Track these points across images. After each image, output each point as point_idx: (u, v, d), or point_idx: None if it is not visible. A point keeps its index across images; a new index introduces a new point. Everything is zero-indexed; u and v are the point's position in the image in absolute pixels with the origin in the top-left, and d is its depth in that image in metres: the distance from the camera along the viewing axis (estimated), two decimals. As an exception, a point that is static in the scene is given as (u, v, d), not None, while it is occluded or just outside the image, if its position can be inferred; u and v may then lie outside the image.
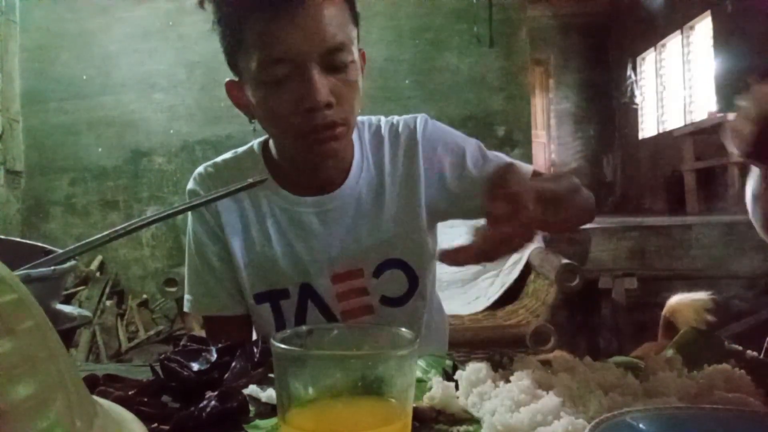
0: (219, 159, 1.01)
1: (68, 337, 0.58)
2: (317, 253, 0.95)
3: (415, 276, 0.98)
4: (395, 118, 1.02)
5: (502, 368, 0.65)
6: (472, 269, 3.02)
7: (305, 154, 0.88)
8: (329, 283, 0.95)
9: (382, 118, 1.02)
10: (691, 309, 1.33)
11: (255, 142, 1.01)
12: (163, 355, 0.68)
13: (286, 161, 0.96)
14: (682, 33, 6.56)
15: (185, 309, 1.03)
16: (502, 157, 1.00)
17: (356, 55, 0.87)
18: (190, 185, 0.99)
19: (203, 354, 0.70)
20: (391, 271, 0.97)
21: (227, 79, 0.92)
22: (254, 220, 0.96)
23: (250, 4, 0.81)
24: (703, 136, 5.27)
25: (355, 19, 0.89)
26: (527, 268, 2.87)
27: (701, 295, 1.37)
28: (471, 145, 0.99)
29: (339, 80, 0.83)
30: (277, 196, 0.95)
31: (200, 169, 1.00)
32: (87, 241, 0.64)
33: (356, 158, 0.96)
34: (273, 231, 0.95)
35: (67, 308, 0.71)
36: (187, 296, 1.01)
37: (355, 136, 0.97)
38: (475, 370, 0.61)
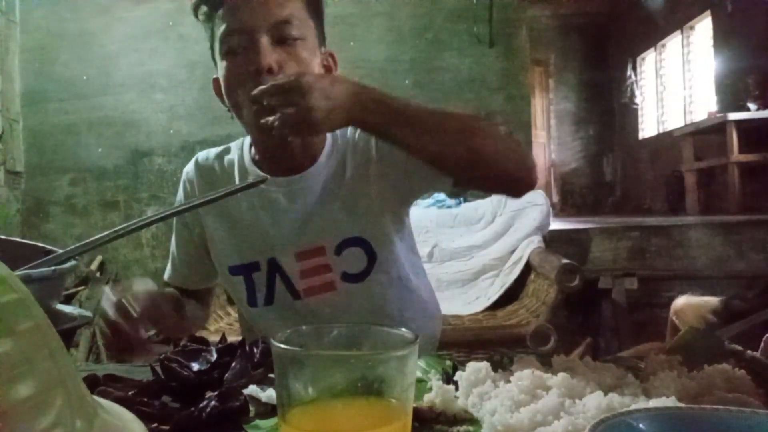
0: (219, 149, 1.12)
1: (68, 337, 0.58)
2: (283, 231, 1.02)
3: (373, 252, 1.02)
4: None
5: (502, 368, 0.65)
6: (472, 269, 3.02)
7: (249, 124, 0.95)
8: (294, 260, 1.02)
9: None
10: (693, 310, 1.33)
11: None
12: (163, 355, 0.68)
13: (257, 143, 1.04)
14: (682, 33, 6.56)
15: (164, 278, 1.15)
16: None
17: (309, 38, 0.95)
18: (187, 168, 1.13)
19: (203, 354, 0.70)
20: (351, 249, 1.01)
21: (213, 76, 1.02)
22: (232, 199, 1.02)
23: None
24: (703, 136, 5.27)
25: (314, 12, 0.98)
26: (527, 268, 2.87)
27: (707, 298, 1.37)
28: None
29: (286, 52, 0.92)
30: (249, 174, 1.04)
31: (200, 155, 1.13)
32: (87, 241, 0.64)
33: (327, 144, 1.04)
34: (245, 207, 1.03)
35: (67, 308, 0.71)
36: (168, 268, 1.16)
37: None
38: (475, 370, 0.61)
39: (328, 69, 1.02)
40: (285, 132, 0.79)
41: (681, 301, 1.39)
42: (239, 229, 1.05)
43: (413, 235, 1.14)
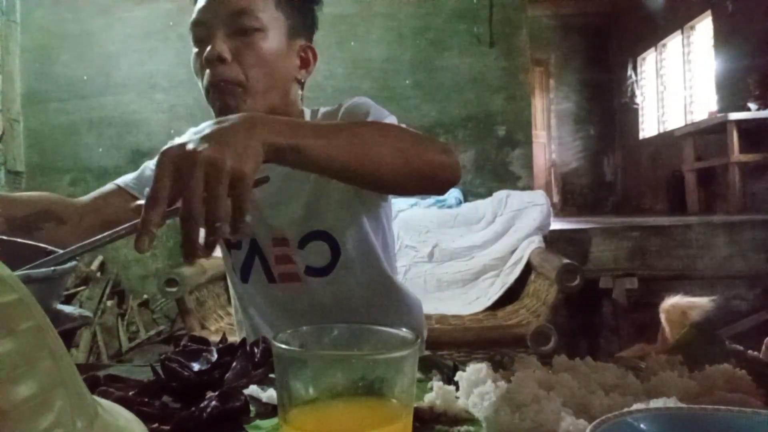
0: None
1: (69, 337, 0.58)
2: (263, 216, 1.03)
3: (337, 246, 1.02)
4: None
5: (502, 368, 0.65)
6: (472, 269, 3.02)
7: (213, 109, 0.95)
8: (271, 245, 1.04)
9: (343, 105, 1.05)
10: (678, 311, 1.34)
11: None
12: (163, 356, 0.68)
13: None
14: (682, 33, 6.56)
15: (119, 180, 1.07)
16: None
17: (271, 29, 0.95)
18: None
19: (204, 354, 0.70)
20: (315, 243, 1.02)
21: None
22: None
23: None
24: (703, 136, 5.27)
25: (283, 3, 0.97)
26: (528, 268, 2.87)
27: (696, 299, 1.37)
28: (375, 112, 0.99)
29: (242, 42, 0.93)
30: None
31: None
32: (87, 241, 0.64)
33: None
34: None
35: (67, 308, 0.71)
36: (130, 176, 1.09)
37: (308, 117, 1.05)
38: (475, 370, 0.61)
39: (305, 62, 1.02)
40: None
41: (669, 302, 1.39)
42: None
43: (392, 234, 1.13)
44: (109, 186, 1.06)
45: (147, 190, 0.56)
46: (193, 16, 0.96)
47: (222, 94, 0.93)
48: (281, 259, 1.04)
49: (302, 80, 1.03)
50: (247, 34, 0.93)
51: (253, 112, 0.92)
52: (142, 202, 0.57)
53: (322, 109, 1.07)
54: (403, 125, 0.87)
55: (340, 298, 1.04)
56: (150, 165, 1.07)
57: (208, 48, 0.91)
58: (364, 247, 1.04)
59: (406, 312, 1.14)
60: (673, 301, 1.40)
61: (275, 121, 0.66)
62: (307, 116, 1.06)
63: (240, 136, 0.59)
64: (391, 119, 0.97)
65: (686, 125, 5.96)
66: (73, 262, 0.65)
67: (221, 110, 0.93)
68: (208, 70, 0.93)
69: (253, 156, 0.59)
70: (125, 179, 1.07)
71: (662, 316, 1.38)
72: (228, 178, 0.56)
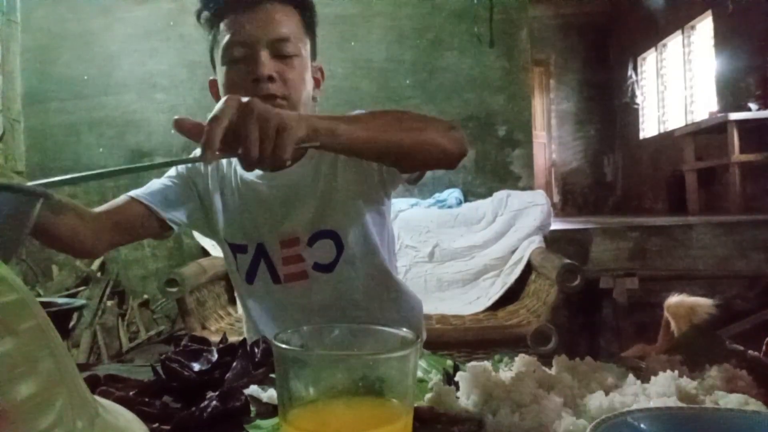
0: None
1: (62, 322, 0.57)
2: (269, 220, 1.12)
3: (341, 243, 1.11)
4: None
5: (502, 368, 0.65)
6: (473, 269, 3.02)
7: None
8: (278, 248, 1.12)
9: None
10: (686, 308, 1.33)
11: None
12: (164, 356, 0.68)
13: None
14: (682, 33, 6.56)
15: (131, 193, 1.14)
16: None
17: (303, 54, 1.07)
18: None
19: (204, 354, 0.70)
20: (322, 241, 1.10)
21: (210, 78, 1.12)
22: (229, 183, 1.16)
23: (224, 7, 1.05)
24: (704, 136, 5.27)
25: (309, 30, 1.10)
26: (528, 268, 2.87)
27: (700, 299, 1.37)
28: None
29: (284, 64, 1.04)
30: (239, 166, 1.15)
31: None
32: (57, 179, 0.64)
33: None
34: (237, 195, 1.15)
35: (60, 300, 0.71)
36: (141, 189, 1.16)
37: None
38: (475, 370, 0.61)
39: (316, 81, 1.14)
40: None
41: (675, 299, 1.39)
42: (232, 212, 1.15)
43: (392, 232, 1.22)
44: (121, 198, 1.13)
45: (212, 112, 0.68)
46: (230, 36, 1.03)
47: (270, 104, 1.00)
48: (289, 259, 1.12)
49: (317, 98, 1.16)
50: (285, 59, 1.04)
51: None
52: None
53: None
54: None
55: (342, 292, 1.12)
56: (157, 181, 1.18)
57: (255, 68, 1.00)
58: (365, 243, 1.12)
59: (407, 309, 1.20)
60: (678, 298, 1.40)
61: (313, 115, 0.82)
62: None
63: (288, 113, 0.73)
64: None
65: (686, 125, 5.95)
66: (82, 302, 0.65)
67: None
68: (251, 88, 1.00)
69: (294, 123, 0.71)
70: (135, 192, 1.14)
71: (667, 313, 1.38)
72: (274, 126, 0.69)
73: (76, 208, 1.03)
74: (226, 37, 1.03)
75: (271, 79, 1.01)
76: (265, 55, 1.02)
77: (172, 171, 1.19)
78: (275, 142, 0.69)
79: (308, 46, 1.09)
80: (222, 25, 1.05)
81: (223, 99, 0.70)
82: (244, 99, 0.70)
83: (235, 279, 1.20)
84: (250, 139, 0.68)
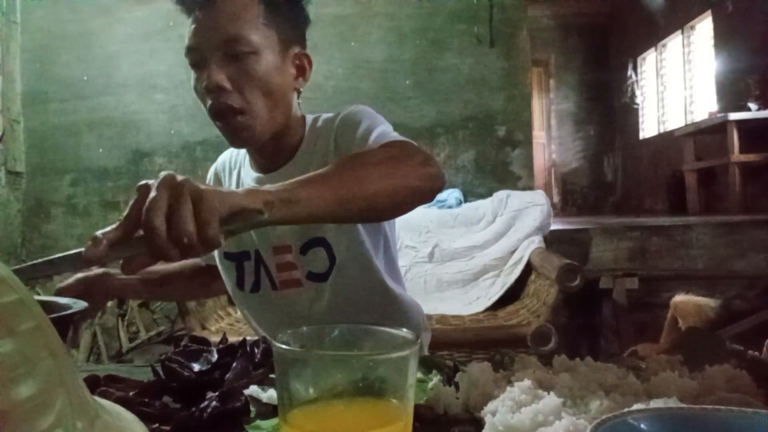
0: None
1: (64, 327, 0.57)
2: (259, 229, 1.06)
3: (333, 253, 1.05)
4: None
5: (503, 369, 0.65)
6: (473, 270, 3.02)
7: (222, 134, 1.01)
8: (272, 254, 1.08)
9: (341, 113, 1.07)
10: (695, 306, 1.34)
11: None
12: (164, 356, 0.68)
13: None
14: (682, 33, 6.56)
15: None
16: (397, 140, 0.94)
17: (264, 49, 0.96)
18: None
19: (204, 354, 0.70)
20: (315, 249, 1.05)
21: None
22: (228, 185, 1.16)
23: (185, 5, 0.98)
24: (703, 136, 5.27)
25: (275, 17, 0.98)
26: (528, 268, 2.87)
27: (705, 299, 1.38)
28: (368, 120, 1.00)
29: (237, 68, 0.94)
30: (245, 170, 1.14)
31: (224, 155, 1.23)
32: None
33: (303, 144, 1.06)
34: None
35: (62, 300, 0.71)
36: None
37: (309, 125, 1.08)
38: (475, 370, 0.61)
39: (301, 70, 1.03)
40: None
41: (682, 297, 1.39)
42: None
43: (393, 240, 1.15)
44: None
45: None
46: (186, 41, 0.97)
47: (226, 120, 0.96)
48: (283, 266, 1.08)
49: (300, 89, 1.05)
50: (241, 59, 0.94)
51: (257, 133, 0.98)
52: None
53: (324, 115, 1.09)
54: (391, 135, 0.93)
55: (337, 302, 1.07)
56: (216, 164, 1.23)
57: (206, 77, 0.94)
58: (358, 253, 1.05)
59: (404, 319, 1.14)
60: (685, 297, 1.41)
61: (262, 188, 0.67)
62: (309, 123, 1.08)
63: (208, 190, 0.58)
64: (386, 127, 0.99)
65: (686, 125, 5.95)
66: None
67: (229, 132, 0.99)
68: (207, 98, 0.96)
69: (220, 193, 0.59)
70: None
71: (674, 311, 1.38)
72: (188, 196, 0.56)
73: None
74: (186, 43, 0.97)
75: (221, 88, 0.93)
76: (215, 61, 0.94)
77: None
78: (199, 221, 0.56)
79: (275, 37, 0.98)
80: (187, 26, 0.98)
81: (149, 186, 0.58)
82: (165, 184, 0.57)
83: (234, 291, 1.15)
84: (155, 225, 0.55)
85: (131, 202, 0.57)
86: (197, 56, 0.96)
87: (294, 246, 1.06)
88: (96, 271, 1.10)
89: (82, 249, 0.55)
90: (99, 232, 0.55)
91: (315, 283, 1.06)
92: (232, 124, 0.96)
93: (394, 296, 1.12)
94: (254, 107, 0.96)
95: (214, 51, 0.94)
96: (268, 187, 0.66)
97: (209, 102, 0.95)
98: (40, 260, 0.58)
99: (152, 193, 0.56)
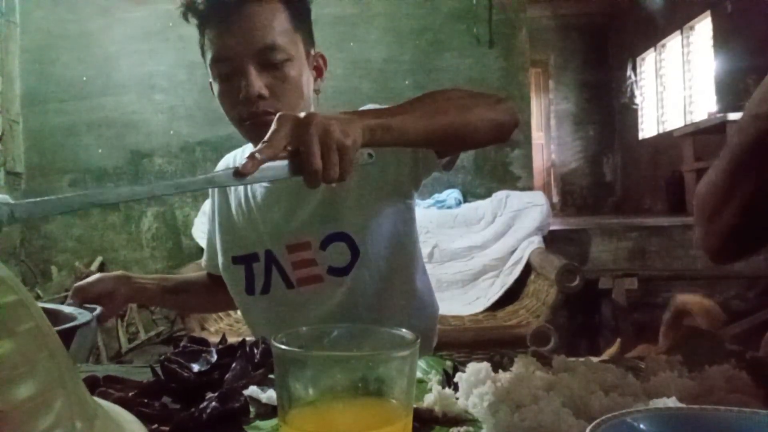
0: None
1: (68, 338, 0.58)
2: (273, 225, 1.08)
3: (356, 246, 1.04)
4: None
5: (502, 369, 0.65)
6: (472, 270, 3.02)
7: (248, 139, 1.03)
8: (286, 252, 1.07)
9: None
10: (701, 305, 1.34)
11: None
12: (163, 356, 0.68)
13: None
14: (682, 33, 6.56)
15: (202, 265, 1.27)
16: None
17: (296, 54, 0.99)
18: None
19: (203, 355, 0.70)
20: (336, 244, 1.05)
21: (210, 79, 1.05)
22: (233, 191, 1.15)
23: (204, 15, 0.98)
24: (703, 137, 5.27)
25: (301, 23, 1.01)
26: (527, 269, 2.87)
27: (706, 300, 1.38)
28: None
29: (274, 76, 0.97)
30: None
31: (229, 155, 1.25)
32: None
33: None
34: (243, 202, 1.13)
35: (67, 309, 0.71)
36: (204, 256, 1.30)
37: None
38: (475, 371, 0.61)
39: (318, 70, 1.08)
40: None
41: (691, 297, 1.39)
42: (238, 222, 1.14)
43: (416, 232, 1.15)
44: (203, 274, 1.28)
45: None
46: (215, 51, 0.97)
47: (264, 126, 0.96)
48: (300, 263, 1.07)
49: (319, 89, 1.09)
50: (277, 66, 0.96)
51: None
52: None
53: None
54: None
55: (357, 297, 1.06)
56: (203, 238, 1.30)
57: (243, 86, 0.95)
58: (386, 244, 1.06)
59: (417, 315, 1.14)
60: (696, 296, 1.41)
61: (365, 111, 0.78)
62: None
63: (343, 117, 0.70)
64: None
65: (686, 125, 5.95)
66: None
67: (261, 140, 1.01)
68: (243, 105, 0.96)
69: (353, 130, 0.69)
70: (204, 263, 1.29)
71: (673, 309, 1.38)
72: (336, 139, 0.66)
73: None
74: (210, 53, 0.98)
75: (261, 97, 0.95)
76: (252, 71, 0.95)
77: (205, 207, 1.22)
78: (339, 153, 0.66)
79: (301, 42, 1.01)
80: (206, 37, 0.99)
81: (276, 117, 0.69)
82: (297, 116, 0.68)
83: (242, 297, 1.14)
84: (312, 152, 0.65)
85: (271, 131, 0.67)
86: (228, 67, 0.96)
87: (313, 242, 1.05)
88: (115, 272, 1.14)
89: (238, 165, 0.64)
90: (254, 152, 0.65)
91: (336, 277, 1.06)
92: (261, 125, 0.94)
93: (414, 289, 1.13)
94: (287, 111, 0.98)
95: (249, 60, 0.95)
96: (367, 117, 0.74)
97: (247, 110, 0.96)
98: (200, 176, 0.67)
99: (308, 131, 0.66)
